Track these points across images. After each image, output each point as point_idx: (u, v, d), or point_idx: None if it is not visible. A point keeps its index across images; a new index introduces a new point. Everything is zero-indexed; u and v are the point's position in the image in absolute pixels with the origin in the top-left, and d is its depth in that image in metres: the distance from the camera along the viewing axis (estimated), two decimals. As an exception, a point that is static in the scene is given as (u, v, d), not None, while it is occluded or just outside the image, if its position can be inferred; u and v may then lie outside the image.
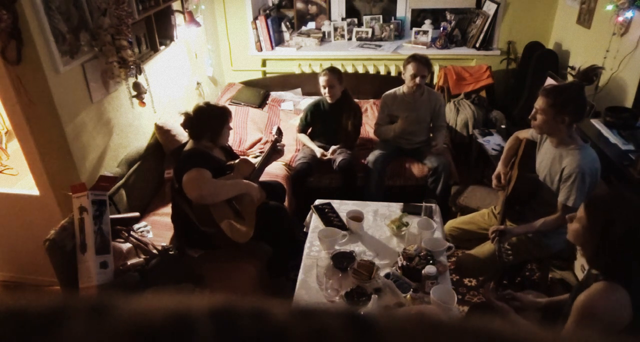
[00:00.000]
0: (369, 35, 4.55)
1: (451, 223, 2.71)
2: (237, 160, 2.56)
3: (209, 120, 2.40)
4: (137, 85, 2.77)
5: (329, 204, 2.69)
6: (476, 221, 2.63)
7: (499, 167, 2.48)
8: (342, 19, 4.62)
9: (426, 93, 3.24)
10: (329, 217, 2.57)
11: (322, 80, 3.22)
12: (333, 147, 3.29)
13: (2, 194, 2.66)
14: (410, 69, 3.08)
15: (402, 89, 3.25)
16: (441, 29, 4.33)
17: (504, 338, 0.24)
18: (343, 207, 2.67)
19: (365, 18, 4.58)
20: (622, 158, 2.54)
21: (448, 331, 0.24)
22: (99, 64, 2.56)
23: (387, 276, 2.12)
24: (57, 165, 2.43)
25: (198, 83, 4.01)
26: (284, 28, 4.60)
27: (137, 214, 2.65)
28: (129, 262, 2.28)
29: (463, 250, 2.66)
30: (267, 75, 4.65)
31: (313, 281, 2.14)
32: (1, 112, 3.06)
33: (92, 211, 2.13)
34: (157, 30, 3.16)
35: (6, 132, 3.30)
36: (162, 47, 3.27)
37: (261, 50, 4.52)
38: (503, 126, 3.65)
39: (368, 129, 3.80)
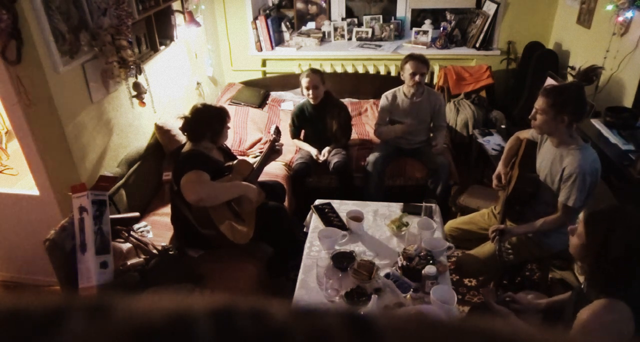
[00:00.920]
0: (369, 35, 4.55)
1: (451, 223, 2.71)
2: (235, 161, 2.56)
3: (208, 121, 2.40)
4: (137, 85, 2.77)
5: (329, 204, 2.69)
6: (476, 221, 2.63)
7: (499, 167, 2.48)
8: (342, 19, 4.62)
9: (426, 93, 3.24)
10: (329, 217, 2.57)
11: (304, 81, 3.20)
12: (327, 149, 3.29)
13: (2, 194, 2.66)
14: (408, 68, 3.09)
15: (401, 89, 3.25)
16: (441, 29, 4.33)
17: (503, 338, 0.24)
18: (343, 207, 2.67)
19: (365, 18, 4.58)
20: (622, 158, 2.54)
21: (448, 331, 0.24)
22: (99, 64, 2.56)
23: (387, 276, 2.12)
24: (57, 165, 2.43)
25: (198, 83, 4.01)
26: (284, 28, 4.60)
27: (137, 214, 2.65)
28: (129, 262, 2.28)
29: (463, 250, 2.66)
30: (267, 75, 4.65)
31: (313, 281, 2.14)
32: (1, 112, 3.06)
33: (92, 211, 2.13)
34: (157, 30, 3.16)
35: (6, 132, 3.30)
36: (162, 47, 3.27)
37: (261, 50, 4.52)
38: (503, 126, 3.65)
39: (368, 129, 3.80)
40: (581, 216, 2.19)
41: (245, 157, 2.93)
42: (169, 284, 2.18)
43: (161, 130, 3.18)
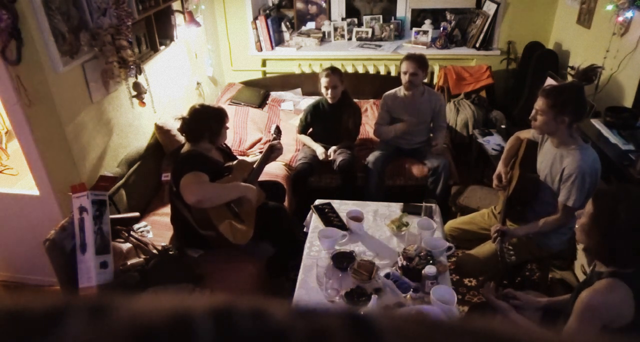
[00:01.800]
0: (369, 35, 4.55)
1: (451, 223, 2.71)
2: (235, 162, 2.56)
3: (206, 122, 2.39)
4: (137, 85, 2.77)
5: (329, 204, 2.69)
6: (476, 221, 2.63)
7: (500, 167, 2.48)
8: (342, 19, 4.62)
9: (426, 93, 3.24)
10: (329, 217, 2.57)
11: (324, 81, 3.21)
12: (333, 148, 3.29)
13: (2, 194, 2.66)
14: (402, 67, 3.12)
15: (402, 89, 3.25)
16: (441, 29, 4.32)
17: (503, 338, 0.24)
18: (343, 207, 2.67)
19: (365, 18, 4.58)
20: (622, 158, 2.54)
21: (448, 331, 0.24)
22: (99, 64, 2.56)
23: (387, 276, 2.12)
24: (57, 165, 2.43)
25: (198, 83, 4.01)
26: (284, 28, 4.60)
27: (137, 214, 2.65)
28: (129, 262, 2.28)
29: (463, 250, 2.66)
30: (267, 75, 4.65)
31: (313, 281, 2.14)
32: (1, 112, 3.06)
33: (92, 211, 2.13)
34: (157, 30, 3.16)
35: (6, 132, 3.30)
36: (162, 47, 3.27)
37: (261, 50, 4.52)
38: (503, 126, 3.65)
39: (368, 129, 3.80)
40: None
41: (245, 157, 2.93)
42: (169, 284, 2.18)
43: (161, 131, 3.18)
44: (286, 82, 4.48)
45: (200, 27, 3.76)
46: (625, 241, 1.50)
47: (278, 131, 2.86)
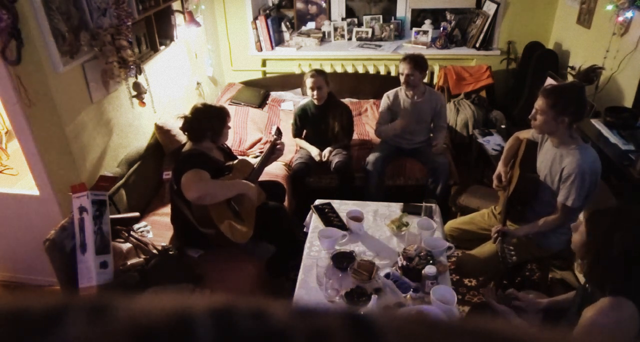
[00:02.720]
0: (369, 35, 4.55)
1: (451, 223, 2.71)
2: (235, 161, 2.56)
3: (209, 121, 2.40)
4: (137, 85, 2.77)
5: (329, 204, 2.69)
6: (476, 221, 2.63)
7: (499, 167, 2.48)
8: (342, 19, 4.62)
9: (427, 93, 3.24)
10: (329, 217, 2.57)
11: (309, 82, 3.21)
12: (328, 149, 3.29)
13: (2, 194, 2.66)
14: (399, 68, 3.16)
15: (402, 89, 3.26)
16: (441, 29, 4.32)
17: (503, 338, 0.24)
18: (343, 207, 2.67)
19: (365, 18, 4.58)
20: (622, 158, 2.54)
21: (448, 331, 0.24)
22: (99, 64, 2.56)
23: (387, 276, 2.12)
24: (57, 165, 2.43)
25: (198, 83, 4.01)
26: (284, 28, 4.60)
27: (137, 214, 2.65)
28: (129, 262, 2.28)
29: (463, 250, 2.66)
30: (267, 75, 4.65)
31: (313, 281, 2.14)
32: (1, 112, 3.06)
33: (92, 211, 2.13)
34: (157, 30, 3.16)
35: (6, 132, 3.30)
36: (162, 47, 3.27)
37: (261, 50, 4.52)
38: (503, 126, 3.65)
39: (368, 129, 3.80)
40: (581, 216, 2.19)
41: (245, 157, 2.93)
42: (168, 284, 2.18)
43: (161, 130, 3.18)
44: (286, 82, 4.48)
45: (200, 27, 3.76)
46: (618, 267, 1.46)
47: (279, 132, 2.86)
